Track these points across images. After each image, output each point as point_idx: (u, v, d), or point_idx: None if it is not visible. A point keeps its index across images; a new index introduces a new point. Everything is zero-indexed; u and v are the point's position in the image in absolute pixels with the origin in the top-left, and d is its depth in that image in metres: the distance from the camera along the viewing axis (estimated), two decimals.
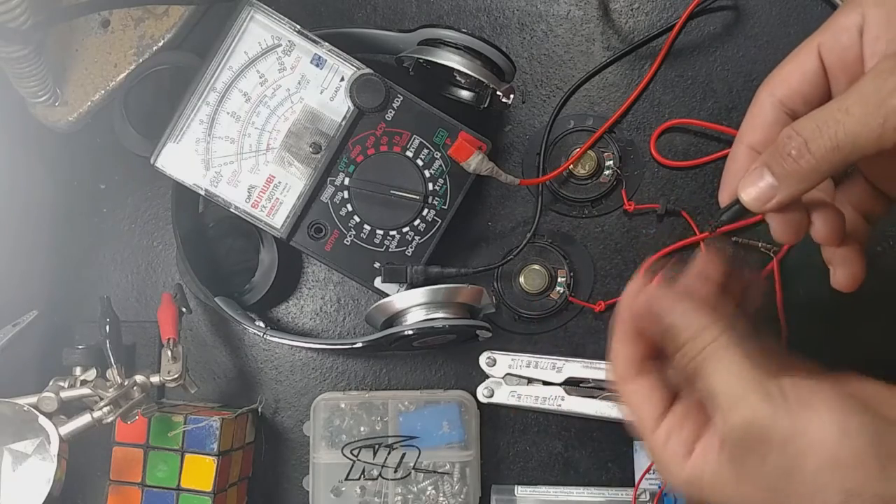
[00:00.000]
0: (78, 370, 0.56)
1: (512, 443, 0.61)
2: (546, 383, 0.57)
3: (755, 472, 0.33)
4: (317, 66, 0.56)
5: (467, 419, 0.59)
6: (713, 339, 0.35)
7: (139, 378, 0.54)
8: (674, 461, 0.36)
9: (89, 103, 0.62)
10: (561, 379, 0.56)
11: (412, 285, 0.55)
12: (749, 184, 0.35)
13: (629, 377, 0.38)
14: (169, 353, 0.54)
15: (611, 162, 0.60)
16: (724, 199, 0.38)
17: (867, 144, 0.31)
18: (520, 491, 0.59)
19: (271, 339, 0.58)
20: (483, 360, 0.57)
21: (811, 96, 0.36)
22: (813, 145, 0.32)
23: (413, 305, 0.53)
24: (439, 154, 0.56)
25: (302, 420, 0.61)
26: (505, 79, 0.56)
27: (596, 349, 0.60)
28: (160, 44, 0.62)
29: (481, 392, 0.57)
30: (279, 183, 0.56)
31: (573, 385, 0.57)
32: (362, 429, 0.59)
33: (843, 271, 0.39)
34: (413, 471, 0.59)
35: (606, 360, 0.54)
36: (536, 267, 0.60)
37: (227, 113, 0.55)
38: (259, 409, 0.61)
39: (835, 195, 0.39)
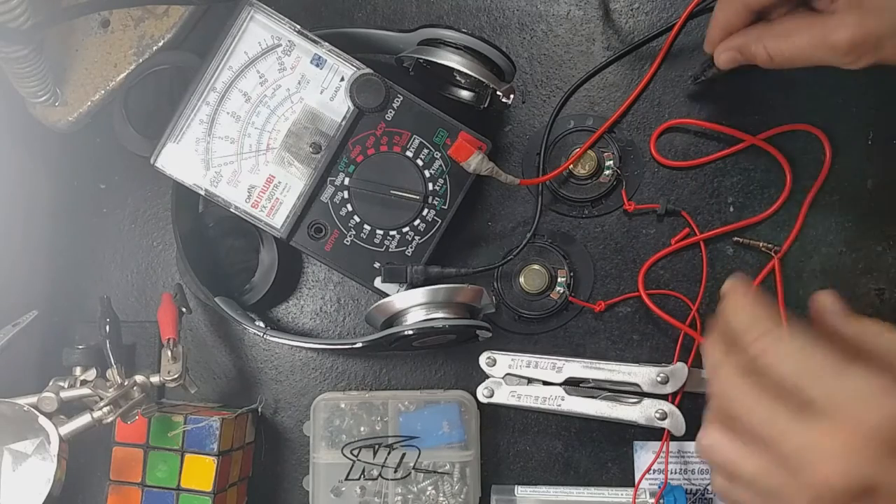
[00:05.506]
0: (78, 370, 0.56)
1: (512, 443, 0.61)
2: (546, 383, 0.57)
3: None
4: (317, 66, 0.56)
5: (467, 419, 0.59)
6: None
7: (139, 378, 0.54)
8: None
9: (89, 103, 0.62)
10: (561, 379, 0.56)
11: (412, 285, 0.55)
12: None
13: None
14: (169, 353, 0.54)
15: (611, 162, 0.60)
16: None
17: None
18: (520, 491, 0.59)
19: (271, 339, 0.58)
20: (483, 360, 0.57)
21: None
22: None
23: (413, 305, 0.53)
24: (439, 154, 0.56)
25: (302, 420, 0.61)
26: (505, 79, 0.56)
27: (596, 349, 0.60)
28: (160, 44, 0.62)
29: (481, 392, 0.57)
30: (279, 183, 0.56)
31: (573, 385, 0.57)
32: (362, 429, 0.59)
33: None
34: (413, 471, 0.59)
35: (612, 360, 0.55)
36: (536, 267, 0.60)
37: (227, 113, 0.55)
38: (259, 409, 0.61)
39: None
